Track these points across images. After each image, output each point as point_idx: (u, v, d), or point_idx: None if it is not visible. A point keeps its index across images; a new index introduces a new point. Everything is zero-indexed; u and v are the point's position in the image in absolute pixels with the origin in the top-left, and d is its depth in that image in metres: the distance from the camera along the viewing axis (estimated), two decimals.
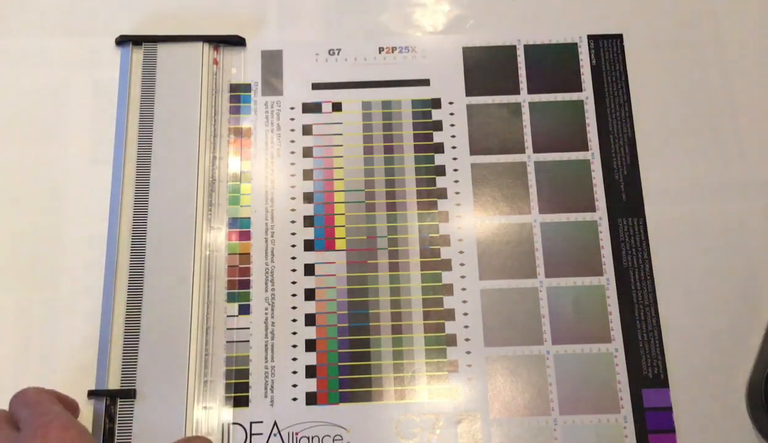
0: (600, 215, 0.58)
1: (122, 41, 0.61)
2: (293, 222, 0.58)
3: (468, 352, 0.56)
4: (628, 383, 0.55)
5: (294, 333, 0.56)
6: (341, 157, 0.60)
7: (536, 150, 0.60)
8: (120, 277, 0.56)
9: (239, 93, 0.61)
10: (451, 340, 0.56)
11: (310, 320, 0.56)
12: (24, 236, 0.58)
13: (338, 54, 0.62)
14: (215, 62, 0.61)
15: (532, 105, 0.61)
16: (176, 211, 0.57)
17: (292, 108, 0.61)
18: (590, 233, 0.58)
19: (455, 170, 0.60)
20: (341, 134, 0.60)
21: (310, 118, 0.60)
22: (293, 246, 0.58)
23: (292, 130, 0.60)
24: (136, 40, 0.61)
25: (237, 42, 0.62)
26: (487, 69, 0.62)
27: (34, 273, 0.57)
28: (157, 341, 0.54)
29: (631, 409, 0.54)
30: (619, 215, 0.58)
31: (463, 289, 0.57)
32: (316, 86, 0.61)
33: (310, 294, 0.57)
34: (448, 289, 0.57)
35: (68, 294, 0.56)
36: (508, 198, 0.59)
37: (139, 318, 0.55)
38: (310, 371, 0.55)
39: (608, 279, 0.57)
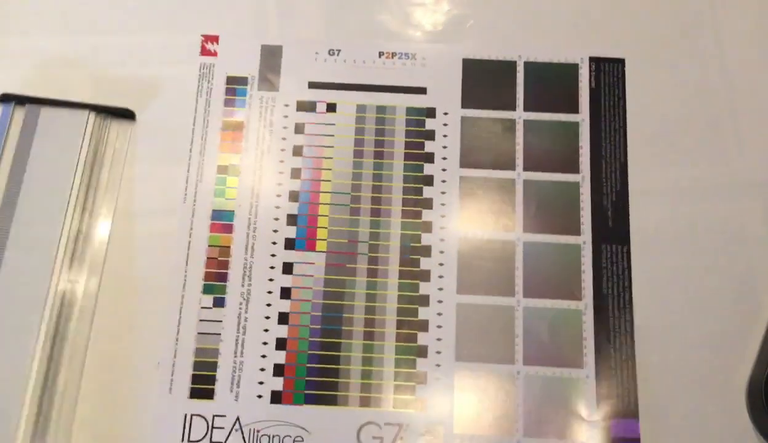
0: (584, 239, 0.58)
1: (4, 99, 0.59)
2: (276, 219, 0.58)
3: (438, 365, 0.56)
4: (597, 411, 0.54)
5: (266, 331, 0.56)
6: (331, 158, 0.60)
7: (527, 168, 0.59)
8: None
9: (235, 86, 0.61)
10: (423, 351, 0.56)
11: (283, 319, 0.56)
12: None
13: (338, 54, 0.62)
14: (214, 53, 0.61)
15: (527, 122, 0.60)
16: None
17: (287, 105, 0.61)
18: (573, 256, 0.58)
19: (443, 181, 0.59)
20: (333, 135, 0.60)
21: (303, 117, 0.60)
22: (274, 243, 0.58)
23: (285, 128, 0.60)
24: (20, 100, 0.59)
25: (125, 114, 0.60)
26: (485, 82, 0.61)
27: None
28: None
29: (599, 439, 0.54)
30: (603, 241, 0.58)
31: (440, 301, 0.57)
32: (312, 85, 0.61)
33: (285, 293, 0.57)
34: (424, 300, 0.57)
35: None
36: (493, 213, 0.59)
37: None
38: (278, 370, 0.55)
39: (586, 304, 0.57)
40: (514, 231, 0.58)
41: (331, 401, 0.55)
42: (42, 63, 0.61)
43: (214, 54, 0.62)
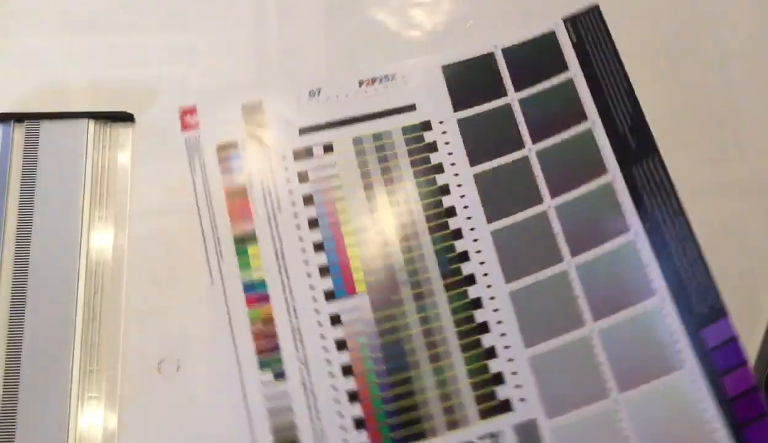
0: (612, 174, 0.58)
1: (3, 119, 0.59)
2: (309, 275, 0.57)
3: (510, 359, 0.54)
4: (685, 331, 0.54)
5: (335, 389, 0.54)
6: (343, 199, 0.58)
7: (535, 140, 0.59)
8: None
9: (228, 153, 0.59)
10: (491, 353, 0.54)
11: (347, 370, 0.54)
12: None
13: (319, 94, 0.61)
14: (195, 125, 0.60)
15: (522, 101, 0.60)
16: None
17: (284, 157, 0.59)
18: (607, 195, 0.57)
19: (459, 186, 0.58)
20: (338, 174, 0.59)
21: (303, 165, 0.59)
22: (314, 299, 0.56)
23: (288, 180, 0.59)
24: (18, 118, 0.59)
25: (125, 117, 0.60)
26: (471, 81, 0.61)
27: None
28: None
29: (693, 357, 0.53)
30: (632, 163, 0.58)
31: (492, 298, 0.56)
32: (303, 131, 0.60)
33: (341, 345, 0.55)
34: (477, 303, 0.56)
35: None
36: (517, 195, 0.58)
37: None
38: (359, 423, 0.53)
39: (636, 232, 0.56)
40: (543, 202, 0.57)
41: (419, 437, 0.53)
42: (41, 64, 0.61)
43: (196, 126, 0.60)
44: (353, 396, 0.54)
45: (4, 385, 0.53)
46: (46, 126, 0.59)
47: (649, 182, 0.57)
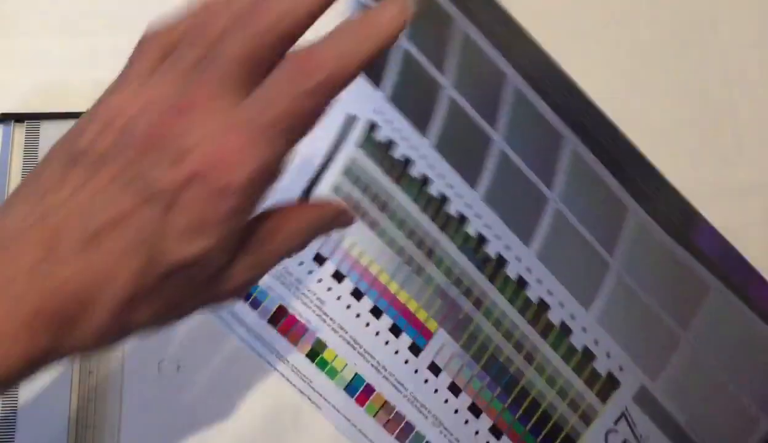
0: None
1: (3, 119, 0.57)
2: (387, 343, 0.55)
3: (583, 329, 0.56)
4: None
5: (477, 433, 0.54)
6: (356, 244, 0.56)
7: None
8: None
9: None
10: (566, 329, 0.56)
11: (474, 409, 0.54)
12: None
13: None
14: None
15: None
16: None
17: None
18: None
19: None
20: None
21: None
22: (406, 361, 0.55)
23: None
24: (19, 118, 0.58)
25: None
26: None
27: None
28: None
29: None
30: None
31: (528, 270, 0.57)
32: None
33: (454, 389, 0.55)
34: (522, 282, 0.57)
35: None
36: None
37: None
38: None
39: None
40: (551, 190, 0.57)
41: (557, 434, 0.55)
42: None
43: None
44: (496, 433, 0.54)
45: None
46: (46, 126, 0.58)
47: None
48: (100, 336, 0.34)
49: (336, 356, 0.54)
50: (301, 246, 0.39)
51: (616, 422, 0.56)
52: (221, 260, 0.35)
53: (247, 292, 0.54)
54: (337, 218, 0.41)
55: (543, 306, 0.57)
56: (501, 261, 0.57)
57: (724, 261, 0.49)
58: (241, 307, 0.55)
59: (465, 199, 0.57)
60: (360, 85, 0.58)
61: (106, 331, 0.34)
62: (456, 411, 0.54)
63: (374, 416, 0.53)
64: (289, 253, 0.39)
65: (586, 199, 0.53)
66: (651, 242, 0.51)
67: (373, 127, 0.58)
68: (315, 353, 0.54)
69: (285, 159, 0.36)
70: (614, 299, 0.56)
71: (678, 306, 0.54)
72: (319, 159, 0.57)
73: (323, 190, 0.56)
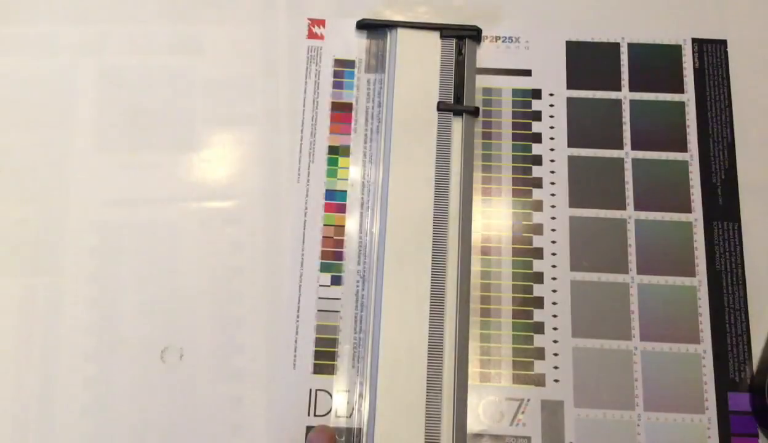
0: (695, 217, 0.58)
1: (363, 26, 0.62)
2: None
3: (555, 341, 0.56)
4: (715, 385, 0.55)
5: None
6: None
7: (635, 147, 0.60)
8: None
9: (343, 69, 0.62)
10: (539, 328, 0.56)
11: None
12: (29, 222, 0.59)
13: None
14: (320, 37, 0.62)
15: (633, 102, 0.61)
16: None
17: None
18: (685, 234, 0.58)
19: (552, 161, 0.60)
20: None
21: None
22: None
23: None
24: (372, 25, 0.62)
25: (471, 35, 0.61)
26: (590, 64, 0.62)
27: (38, 259, 0.58)
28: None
29: (715, 411, 0.54)
30: (714, 218, 0.58)
31: (554, 279, 0.57)
32: None
33: None
34: (538, 277, 0.57)
35: (71, 280, 0.57)
36: (603, 192, 0.59)
37: None
38: None
39: (700, 280, 0.57)
40: (626, 210, 0.58)
41: None
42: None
43: (321, 37, 0.62)
44: None
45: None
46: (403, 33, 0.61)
47: (724, 243, 0.58)
48: None
49: (348, 166, 0.59)
50: None
51: (509, 399, 0.54)
52: None
53: None
54: None
55: (537, 302, 0.57)
56: (537, 253, 0.58)
57: None
58: None
59: (556, 198, 0.59)
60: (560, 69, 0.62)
61: None
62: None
63: (324, 225, 0.58)
64: None
65: None
66: None
67: (537, 93, 0.62)
68: (336, 149, 0.60)
69: None
70: (609, 357, 0.56)
71: (657, 399, 0.55)
72: None
73: None
